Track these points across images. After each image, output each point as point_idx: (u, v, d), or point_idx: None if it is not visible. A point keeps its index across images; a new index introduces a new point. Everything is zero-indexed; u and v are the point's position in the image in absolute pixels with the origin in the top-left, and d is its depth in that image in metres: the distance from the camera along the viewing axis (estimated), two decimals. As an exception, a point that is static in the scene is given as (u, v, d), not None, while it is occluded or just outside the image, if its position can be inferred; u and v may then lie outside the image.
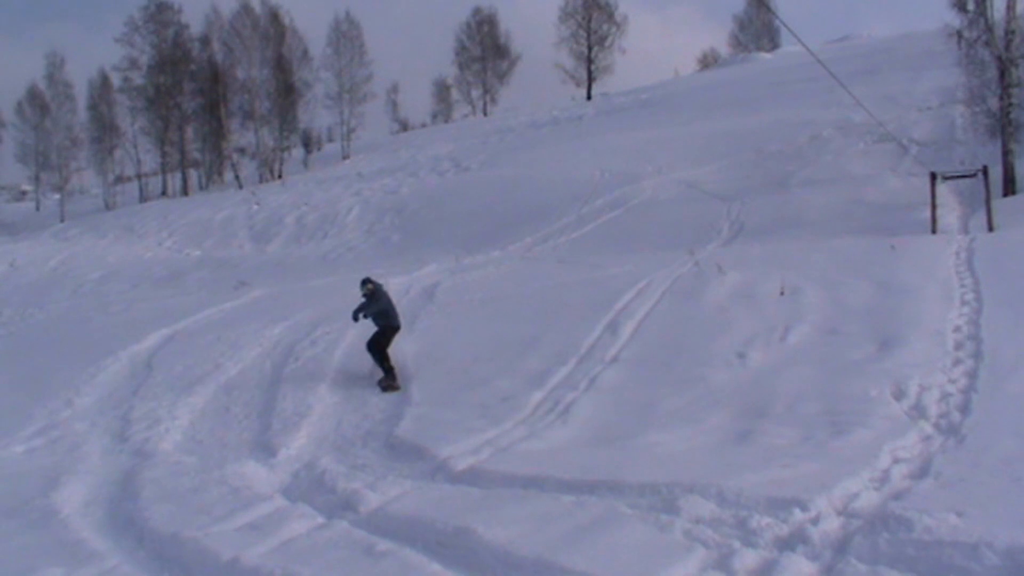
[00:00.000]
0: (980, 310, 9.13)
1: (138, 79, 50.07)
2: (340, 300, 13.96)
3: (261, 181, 45.50)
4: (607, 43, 59.95)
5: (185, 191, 49.30)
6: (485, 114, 60.68)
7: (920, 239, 15.52)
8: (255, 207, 32.48)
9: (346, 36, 51.86)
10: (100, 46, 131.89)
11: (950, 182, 20.70)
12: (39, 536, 5.78)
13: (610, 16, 60.01)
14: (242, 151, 50.15)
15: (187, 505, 6.11)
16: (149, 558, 5.31)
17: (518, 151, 35.25)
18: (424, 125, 67.29)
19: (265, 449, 7.50)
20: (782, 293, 10.49)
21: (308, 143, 54.95)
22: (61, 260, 28.44)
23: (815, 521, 4.66)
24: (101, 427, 8.73)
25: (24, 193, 61.87)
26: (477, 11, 62.23)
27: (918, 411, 6.57)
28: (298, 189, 35.84)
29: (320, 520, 5.56)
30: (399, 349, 10.39)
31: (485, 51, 61.89)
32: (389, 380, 9.14)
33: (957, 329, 8.56)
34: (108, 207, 47.85)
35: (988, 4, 22.97)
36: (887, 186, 22.01)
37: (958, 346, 8.06)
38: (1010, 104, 22.31)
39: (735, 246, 18.22)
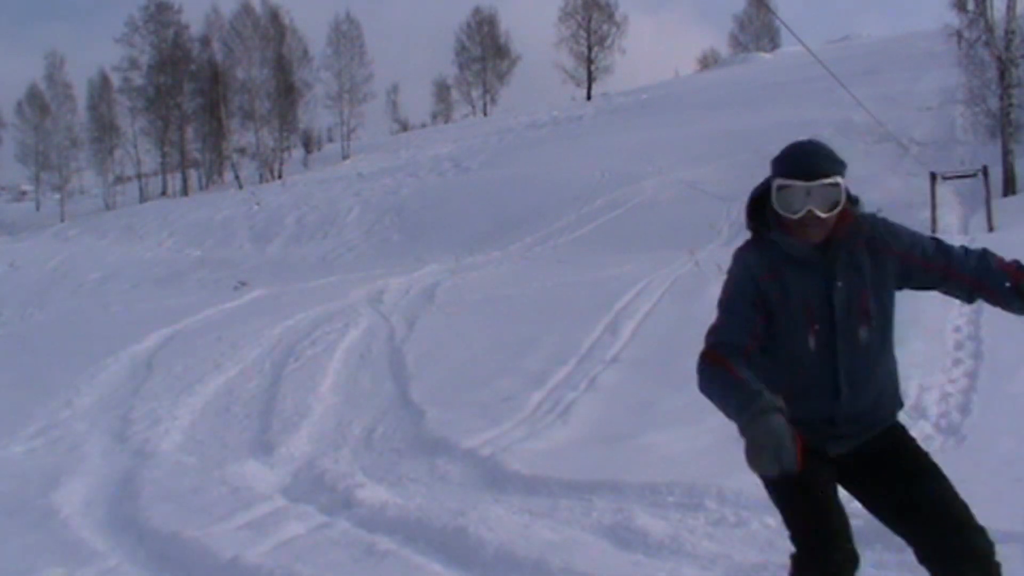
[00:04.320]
0: (980, 310, 9.13)
1: (138, 79, 50.27)
2: (340, 300, 13.98)
3: (261, 181, 45.52)
4: (607, 43, 60.06)
5: (185, 191, 49.32)
6: (485, 114, 60.73)
7: (920, 239, 15.52)
8: (255, 207, 32.48)
9: (346, 36, 52.02)
10: (100, 46, 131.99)
11: (950, 182, 20.70)
12: (39, 536, 5.78)
13: (610, 16, 60.09)
14: (242, 151, 50.17)
15: (187, 505, 6.11)
16: (149, 558, 5.30)
17: (518, 151, 35.26)
18: (424, 125, 67.37)
19: (265, 449, 7.49)
20: (782, 293, 10.49)
21: (308, 143, 54.99)
22: (61, 260, 28.43)
23: (815, 521, 4.66)
24: (101, 427, 8.72)
25: (24, 193, 61.87)
26: (477, 11, 62.41)
27: (918, 411, 6.56)
28: (298, 189, 35.84)
29: (320, 520, 5.56)
30: (398, 351, 10.38)
31: (485, 51, 62.00)
32: None
33: (957, 329, 8.56)
34: (108, 207, 47.86)
35: (988, 4, 23.01)
36: (887, 186, 22.00)
37: (958, 346, 8.05)
38: (1010, 104, 22.33)
39: (735, 246, 18.20)
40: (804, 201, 2.37)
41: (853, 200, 2.47)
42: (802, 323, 2.43)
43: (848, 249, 2.44)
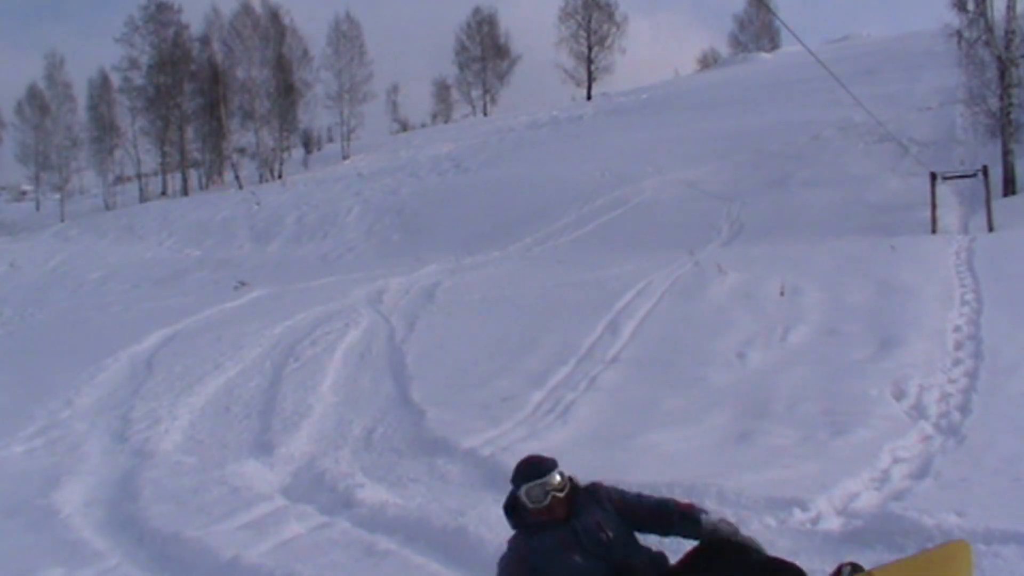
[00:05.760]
0: (980, 310, 9.14)
1: (138, 79, 50.04)
2: (340, 300, 13.99)
3: (261, 181, 45.48)
4: (607, 43, 59.90)
5: (185, 191, 49.22)
6: (485, 114, 60.61)
7: (920, 239, 15.52)
8: (255, 207, 32.48)
9: (346, 36, 51.79)
10: (100, 46, 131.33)
11: (950, 182, 20.67)
12: (39, 536, 5.78)
13: (610, 16, 59.97)
14: (242, 151, 50.10)
15: (187, 505, 6.12)
16: (149, 558, 5.31)
17: (518, 151, 35.24)
18: (424, 125, 67.21)
19: (265, 449, 7.50)
20: (782, 293, 10.50)
21: (308, 143, 54.93)
22: (61, 260, 28.43)
23: (815, 521, 4.66)
24: (101, 427, 8.73)
25: (24, 193, 61.78)
26: (477, 11, 62.13)
27: (918, 411, 6.56)
28: (298, 189, 35.83)
29: (320, 519, 5.57)
30: (398, 351, 10.38)
31: (485, 51, 61.80)
32: None
33: (957, 329, 8.56)
34: (108, 207, 47.76)
35: (988, 4, 22.96)
36: (887, 186, 21.99)
37: (958, 346, 8.06)
38: (1010, 104, 22.29)
39: (735, 246, 18.22)
40: (544, 493, 3.48)
41: (574, 484, 3.59)
42: (569, 558, 3.45)
43: (580, 510, 3.51)
